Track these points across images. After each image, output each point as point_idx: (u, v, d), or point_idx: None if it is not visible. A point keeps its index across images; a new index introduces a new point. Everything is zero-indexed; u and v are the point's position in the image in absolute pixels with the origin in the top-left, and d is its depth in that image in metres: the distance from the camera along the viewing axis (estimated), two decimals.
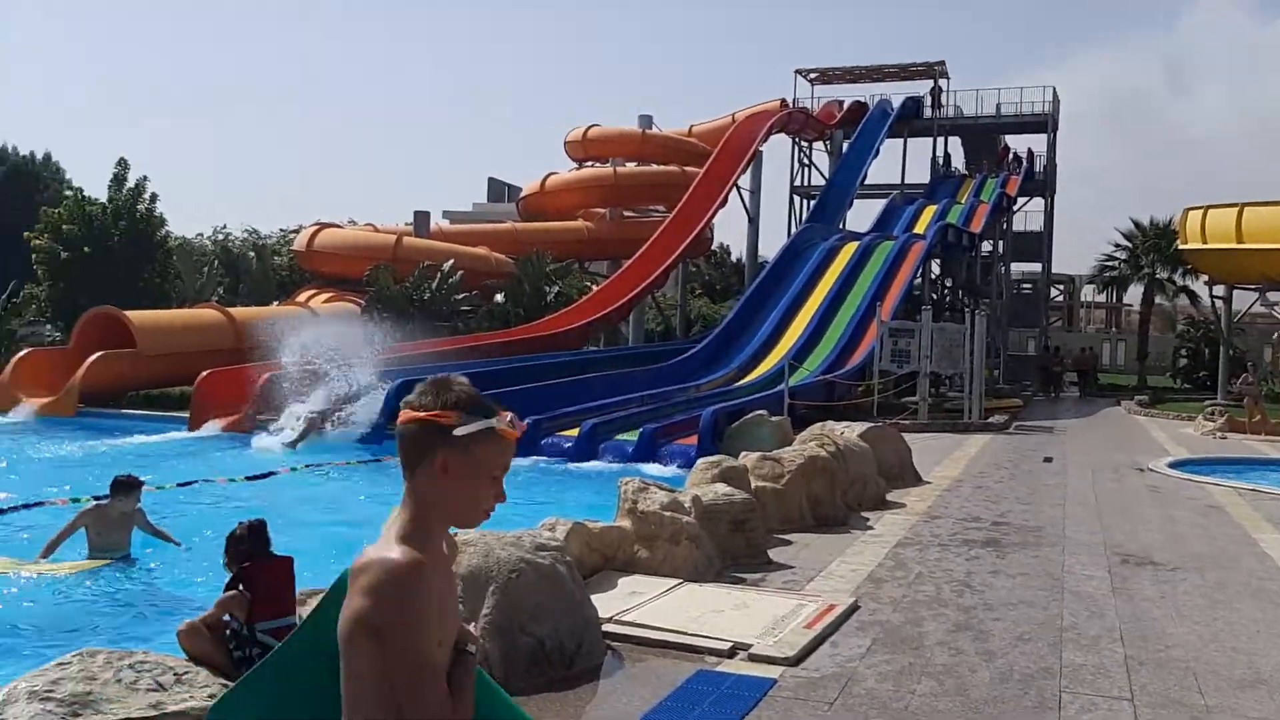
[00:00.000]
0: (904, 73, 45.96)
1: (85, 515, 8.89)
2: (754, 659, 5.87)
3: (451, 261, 29.04)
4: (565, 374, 21.39)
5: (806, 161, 44.66)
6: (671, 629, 6.21)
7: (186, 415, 19.09)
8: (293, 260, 33.99)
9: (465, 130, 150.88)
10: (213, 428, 18.32)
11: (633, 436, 16.48)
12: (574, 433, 16.86)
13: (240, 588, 4.42)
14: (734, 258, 58.98)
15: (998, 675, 5.78)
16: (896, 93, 45.41)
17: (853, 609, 6.98)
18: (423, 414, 2.04)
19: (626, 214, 38.81)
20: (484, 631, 5.36)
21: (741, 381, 22.61)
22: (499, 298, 32.14)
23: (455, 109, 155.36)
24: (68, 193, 30.27)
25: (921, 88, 45.65)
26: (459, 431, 2.03)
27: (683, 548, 7.61)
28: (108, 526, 8.80)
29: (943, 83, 45.14)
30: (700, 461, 9.59)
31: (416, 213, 37.86)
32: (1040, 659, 6.11)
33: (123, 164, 28.47)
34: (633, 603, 6.76)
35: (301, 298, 30.31)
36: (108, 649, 4.11)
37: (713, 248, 46.45)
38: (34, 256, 27.35)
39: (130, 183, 28.38)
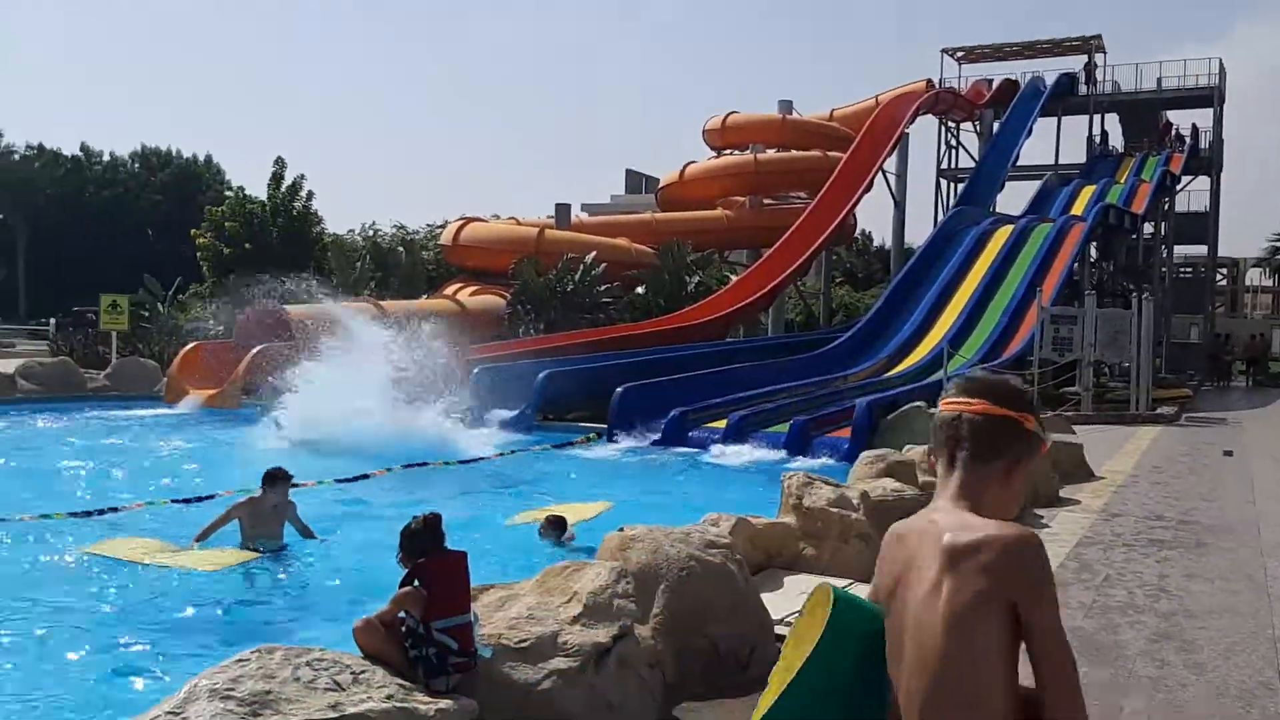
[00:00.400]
0: (1057, 48, 44.10)
1: (239, 507, 8.93)
2: None
3: (594, 254, 29.07)
4: (708, 364, 21.10)
5: (954, 143, 43.26)
6: None
7: None
8: (439, 254, 34.58)
9: (601, 122, 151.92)
10: None
11: (782, 429, 16.10)
12: (721, 424, 16.58)
13: (416, 584, 4.29)
14: (876, 245, 57.83)
15: (1212, 690, 5.29)
16: (1049, 69, 43.67)
17: None
18: (1012, 413, 2.06)
19: (766, 202, 38.24)
20: (655, 631, 5.15)
21: (891, 371, 21.94)
22: (639, 289, 32.05)
23: (590, 101, 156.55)
24: (228, 193, 31.45)
25: (1075, 63, 43.78)
26: (1037, 438, 2.10)
27: (852, 546, 7.28)
28: (261, 519, 8.84)
29: (1098, 58, 43.14)
30: (864, 455, 9.20)
31: (558, 205, 38.11)
32: (1257, 673, 5.59)
33: (280, 163, 29.44)
34: (801, 603, 6.46)
35: (448, 291, 30.79)
36: (285, 646, 4.04)
37: (855, 234, 45.46)
38: (198, 254, 28.48)
39: (287, 181, 29.30)
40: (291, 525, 9.06)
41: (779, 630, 5.85)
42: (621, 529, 5.77)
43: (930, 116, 40.24)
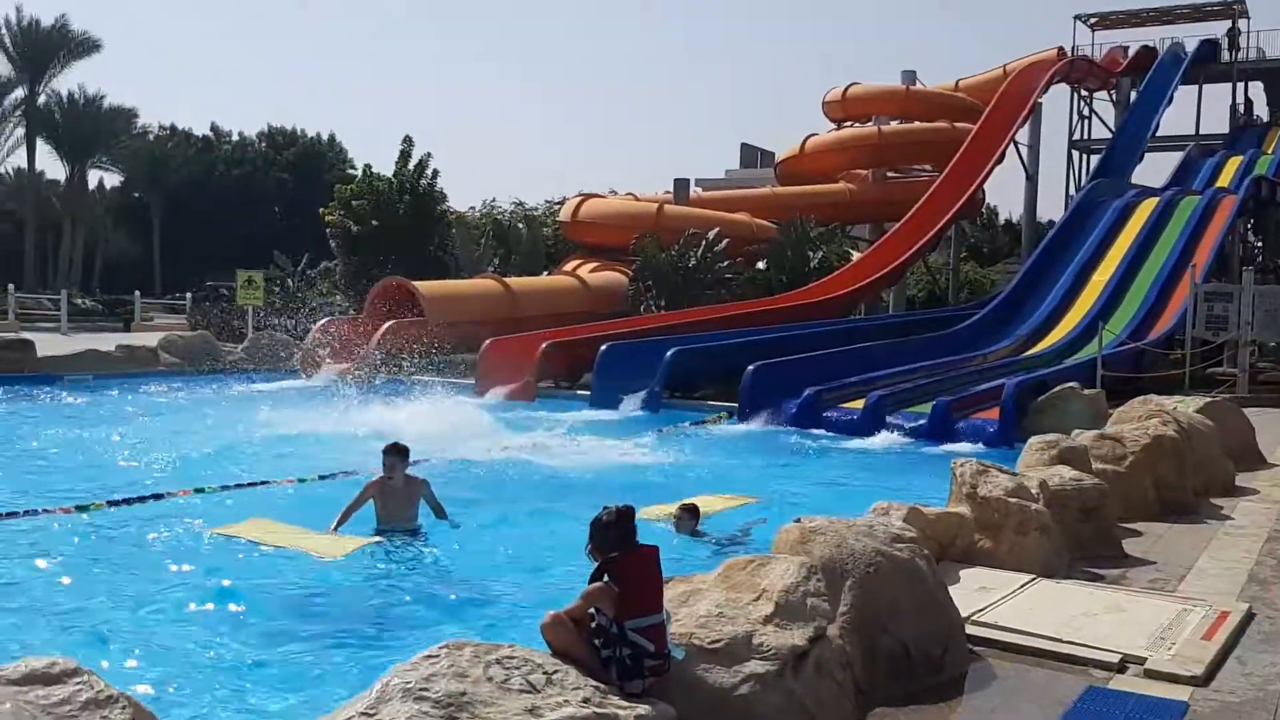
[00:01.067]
0: (1197, 13, 41.96)
1: (370, 488, 8.74)
2: (1151, 676, 5.08)
3: (717, 230, 28.68)
4: (835, 343, 20.55)
5: (1087, 113, 41.50)
6: (1047, 635, 5.48)
7: (471, 381, 19.63)
8: (558, 231, 34.57)
9: (714, 96, 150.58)
10: (498, 395, 18.70)
11: (921, 409, 15.54)
12: (856, 405, 16.08)
13: (606, 579, 4.04)
14: (1003, 219, 56.11)
15: None
16: (1189, 35, 41.65)
17: (1249, 617, 6.02)
18: None
19: (890, 175, 37.31)
20: (842, 631, 4.82)
21: (1031, 351, 21.06)
22: (760, 264, 31.53)
23: (702, 74, 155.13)
24: (351, 170, 31.89)
25: (1217, 29, 41.65)
26: None
27: (1031, 539, 6.83)
28: (392, 499, 8.66)
29: (1242, 23, 40.92)
30: (1034, 441, 8.68)
31: (676, 180, 37.81)
32: None
33: (408, 141, 29.71)
34: (986, 600, 6.07)
35: (568, 267, 30.77)
36: (474, 641, 3.82)
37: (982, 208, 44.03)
38: (327, 231, 28.96)
39: (414, 159, 29.57)
40: (427, 505, 8.85)
41: (970, 630, 5.48)
42: (798, 520, 5.44)
43: (1061, 86, 38.73)
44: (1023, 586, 6.40)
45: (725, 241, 28.42)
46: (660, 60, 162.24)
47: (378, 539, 8.34)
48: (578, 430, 15.46)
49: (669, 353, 18.43)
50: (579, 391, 19.65)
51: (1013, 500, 6.90)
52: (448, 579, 7.75)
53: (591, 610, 4.00)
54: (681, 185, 37.72)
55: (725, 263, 28.61)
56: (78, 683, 3.35)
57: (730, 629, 4.23)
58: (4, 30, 56.99)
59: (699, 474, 12.36)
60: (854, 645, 4.81)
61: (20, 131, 58.88)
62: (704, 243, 27.95)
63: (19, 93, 58.29)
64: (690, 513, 8.90)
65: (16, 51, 57.19)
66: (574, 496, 10.93)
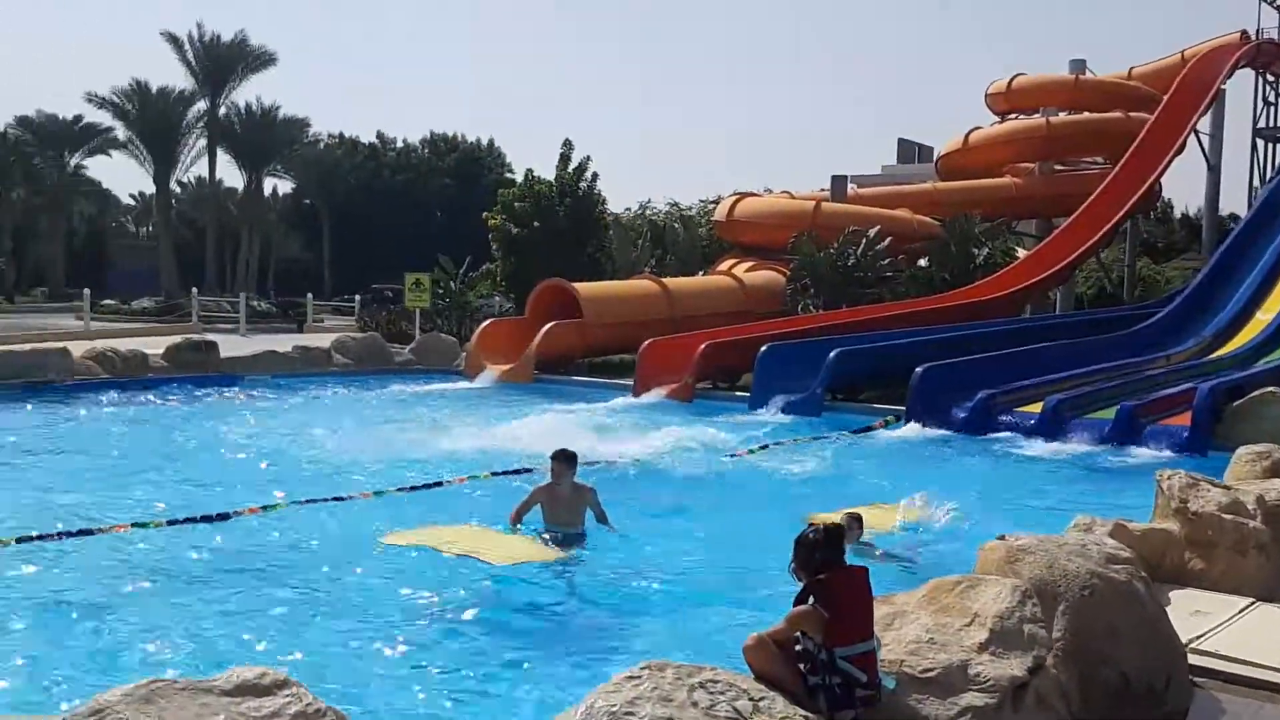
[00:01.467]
0: None
1: (538, 493, 8.81)
2: None
3: (878, 228, 28.04)
4: (1006, 343, 19.71)
5: (1273, 100, 39.00)
6: (1277, 667, 5.04)
7: (629, 382, 19.69)
8: (712, 231, 34.42)
9: (870, 91, 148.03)
10: (656, 395, 18.68)
11: (1101, 415, 14.79)
12: (1032, 409, 15.42)
13: (812, 602, 3.86)
14: (1178, 212, 53.34)
15: None
16: None
17: None
18: None
19: (1057, 168, 35.86)
20: (1055, 659, 4.52)
21: (1220, 352, 19.83)
22: (922, 262, 30.70)
23: (859, 69, 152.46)
24: (509, 174, 32.44)
25: None
26: None
27: (1250, 559, 6.34)
28: (558, 504, 8.67)
29: None
30: (1242, 451, 8.09)
31: (834, 177, 37.20)
32: None
33: (568, 144, 30.13)
34: (1203, 626, 5.64)
35: (723, 267, 30.57)
36: (674, 663, 3.71)
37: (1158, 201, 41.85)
38: (490, 234, 29.56)
39: (574, 163, 29.94)
40: (591, 512, 8.82)
41: (1193, 660, 5.09)
42: (1003, 537, 5.15)
43: (1245, 71, 36.49)
44: (1241, 611, 5.94)
45: (887, 240, 27.75)
46: (814, 55, 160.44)
47: (556, 552, 8.25)
48: (738, 432, 15.28)
49: (832, 353, 18.02)
50: (738, 393, 19.47)
51: (1228, 516, 6.42)
52: (621, 589, 7.65)
53: (796, 634, 3.83)
54: (839, 182, 37.05)
55: (886, 260, 27.94)
56: (287, 695, 3.36)
57: (943, 657, 4.00)
58: (187, 46, 60.22)
59: (865, 480, 12.05)
60: (1069, 675, 4.51)
61: (202, 143, 62.14)
62: (864, 240, 27.36)
63: (201, 105, 61.50)
64: (858, 522, 8.62)
65: (199, 66, 60.33)
66: (739, 501, 10.82)
